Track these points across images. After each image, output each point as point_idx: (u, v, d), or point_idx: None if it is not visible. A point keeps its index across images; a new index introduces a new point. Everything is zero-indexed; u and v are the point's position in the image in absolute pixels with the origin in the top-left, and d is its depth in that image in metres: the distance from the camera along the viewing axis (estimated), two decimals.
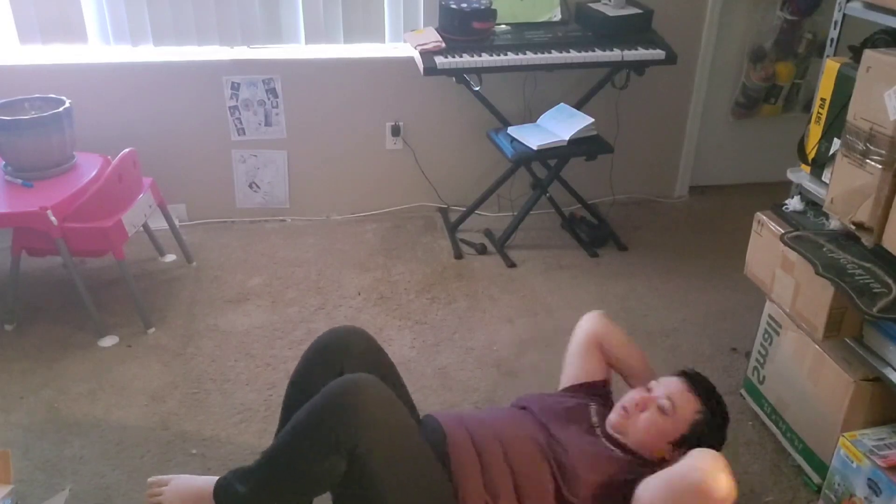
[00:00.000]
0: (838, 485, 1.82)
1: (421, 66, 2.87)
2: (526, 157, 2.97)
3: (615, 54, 2.95)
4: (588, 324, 1.97)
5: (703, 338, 2.62)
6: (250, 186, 3.36)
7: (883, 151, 1.61)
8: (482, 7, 2.97)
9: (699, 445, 1.54)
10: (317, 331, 2.58)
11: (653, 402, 1.69)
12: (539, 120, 3.12)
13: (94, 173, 2.65)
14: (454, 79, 3.02)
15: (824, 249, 1.81)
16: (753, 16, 3.40)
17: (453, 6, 2.95)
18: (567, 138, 2.94)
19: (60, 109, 2.59)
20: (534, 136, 2.96)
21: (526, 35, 3.02)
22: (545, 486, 1.60)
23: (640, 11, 3.07)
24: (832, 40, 2.00)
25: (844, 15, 1.93)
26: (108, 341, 2.55)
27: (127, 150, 2.62)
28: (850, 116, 1.72)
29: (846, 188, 1.74)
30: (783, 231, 1.95)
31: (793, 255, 1.90)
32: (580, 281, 2.97)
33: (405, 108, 3.31)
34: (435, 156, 3.42)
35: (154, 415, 2.22)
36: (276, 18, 3.10)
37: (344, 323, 2.64)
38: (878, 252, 1.72)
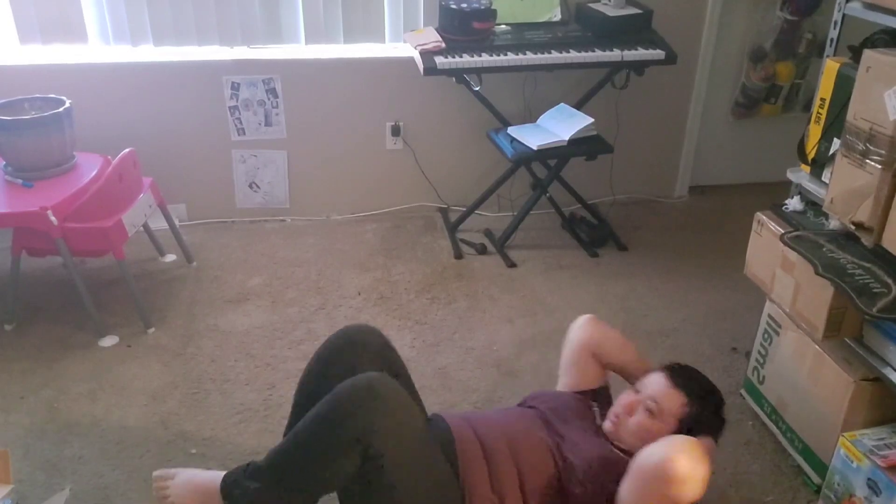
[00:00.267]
0: (838, 485, 1.82)
1: (421, 66, 2.87)
2: (526, 157, 2.97)
3: (615, 54, 2.95)
4: (580, 333, 1.94)
5: (703, 338, 2.62)
6: (250, 186, 3.36)
7: (883, 151, 1.61)
8: (482, 7, 2.97)
9: (695, 435, 1.56)
10: (317, 331, 2.59)
11: (640, 405, 1.69)
12: (539, 120, 3.12)
13: (94, 173, 2.65)
14: (454, 79, 3.02)
15: (824, 249, 1.81)
16: (753, 16, 3.40)
17: (453, 6, 2.95)
18: (567, 138, 2.94)
19: (60, 109, 2.59)
20: (534, 136, 2.96)
21: (526, 35, 3.02)
22: (550, 487, 1.61)
23: (640, 11, 3.07)
24: (832, 40, 2.00)
25: (844, 15, 1.93)
26: (108, 341, 2.55)
27: (127, 150, 2.62)
28: (849, 116, 1.72)
29: (846, 188, 1.74)
30: (783, 231, 1.95)
31: (793, 255, 1.90)
32: (580, 281, 2.97)
33: (405, 108, 3.31)
34: (435, 156, 3.42)
35: (154, 415, 2.22)
36: (276, 18, 3.10)
37: (344, 323, 2.64)
38: (878, 252, 1.72)
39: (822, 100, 1.94)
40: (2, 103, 2.62)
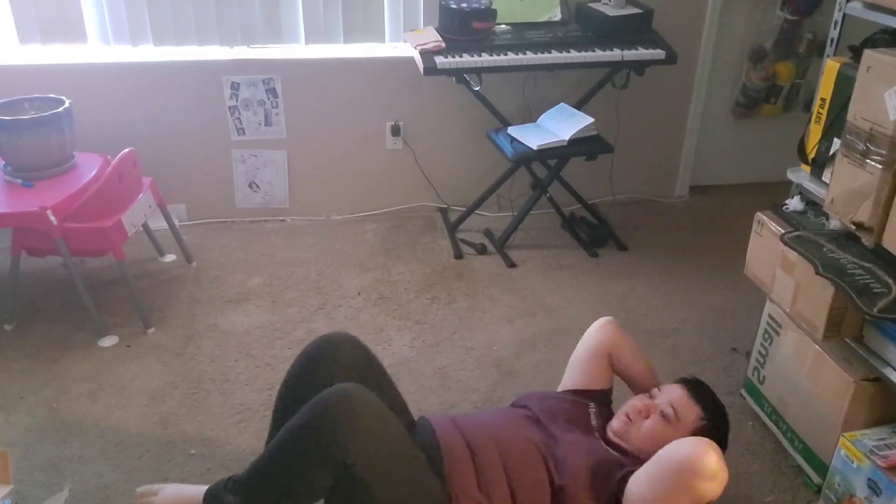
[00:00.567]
0: (838, 485, 1.82)
1: (421, 66, 2.87)
2: (526, 157, 2.96)
3: (615, 54, 2.95)
4: (601, 334, 1.96)
5: (703, 338, 2.62)
6: (250, 186, 3.36)
7: (883, 151, 1.61)
8: (482, 7, 2.96)
9: None
10: (317, 331, 2.59)
11: (656, 409, 1.70)
12: (539, 120, 3.12)
13: (93, 173, 2.65)
14: (454, 79, 3.02)
15: (824, 249, 1.81)
16: (753, 16, 3.40)
17: (453, 6, 2.95)
18: (567, 138, 2.94)
19: (60, 109, 2.59)
20: (534, 136, 2.96)
21: (526, 35, 3.02)
22: (541, 487, 1.61)
23: (640, 11, 3.07)
24: (832, 40, 2.00)
25: (844, 15, 1.93)
26: (108, 341, 2.55)
27: (127, 150, 2.62)
28: (850, 116, 1.71)
29: (846, 188, 1.74)
30: (783, 231, 1.95)
31: (793, 255, 1.90)
32: (580, 281, 2.97)
33: (405, 108, 3.31)
34: (435, 156, 3.42)
35: (154, 415, 2.22)
36: (276, 18, 3.10)
37: (344, 323, 2.65)
38: (878, 252, 1.72)
39: (823, 100, 1.94)
40: (2, 103, 2.62)
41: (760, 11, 3.39)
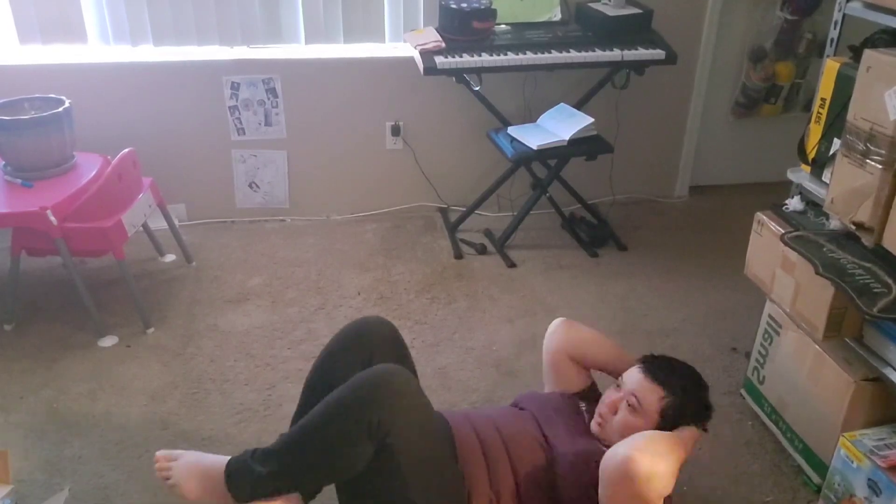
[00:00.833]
0: (838, 485, 1.82)
1: (421, 66, 2.87)
2: (526, 157, 2.96)
3: (615, 54, 2.95)
4: (553, 339, 1.94)
5: (703, 338, 2.62)
6: (250, 186, 3.36)
7: (883, 151, 1.61)
8: (482, 7, 2.96)
9: (680, 426, 1.60)
10: (317, 331, 2.59)
11: (622, 402, 1.69)
12: (539, 120, 3.12)
13: (93, 173, 2.65)
14: (454, 79, 3.02)
15: (824, 249, 1.81)
16: (753, 16, 3.40)
17: (453, 6, 2.95)
18: (567, 138, 2.94)
19: (60, 109, 2.59)
20: (534, 136, 2.96)
21: (526, 35, 3.02)
22: (542, 484, 1.62)
23: (640, 11, 3.07)
24: (832, 40, 2.00)
25: (844, 15, 1.93)
26: (108, 341, 2.55)
27: (127, 150, 2.62)
28: (850, 116, 1.71)
29: (846, 188, 1.74)
30: (783, 231, 1.95)
31: (793, 255, 1.90)
32: (580, 281, 2.97)
33: (405, 108, 3.31)
34: (435, 156, 3.42)
35: (154, 415, 2.22)
36: (276, 18, 3.10)
37: (344, 323, 2.63)
38: (879, 252, 1.72)
39: (823, 100, 1.94)
40: (2, 103, 2.62)
41: (760, 11, 3.39)
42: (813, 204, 2.05)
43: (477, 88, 3.06)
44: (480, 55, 2.87)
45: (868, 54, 1.66)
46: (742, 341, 2.53)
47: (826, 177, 1.95)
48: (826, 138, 1.94)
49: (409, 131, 3.36)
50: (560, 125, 3.01)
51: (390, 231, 3.34)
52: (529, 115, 3.27)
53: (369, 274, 2.99)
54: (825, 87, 1.93)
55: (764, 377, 2.19)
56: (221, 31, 3.07)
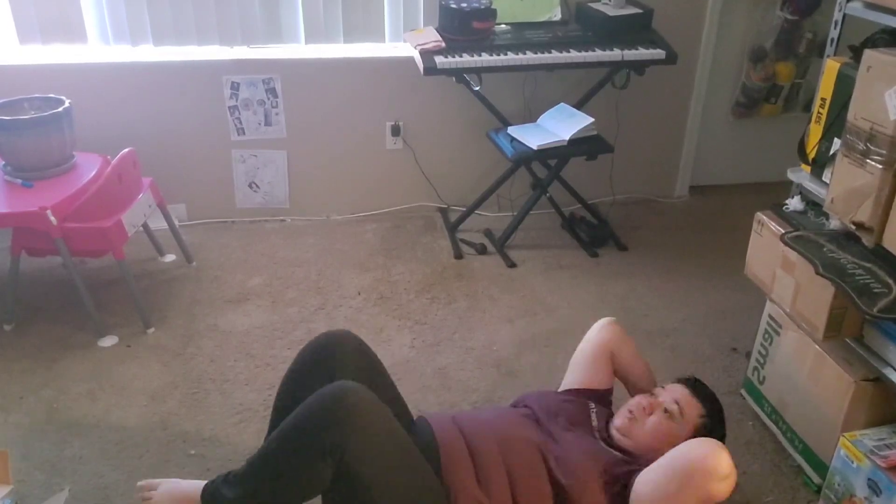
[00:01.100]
0: (838, 485, 1.82)
1: (421, 66, 2.87)
2: (526, 157, 2.96)
3: (615, 54, 2.95)
4: (603, 333, 1.98)
5: (703, 338, 2.62)
6: (250, 186, 3.36)
7: (883, 151, 1.61)
8: (482, 7, 2.96)
9: None
10: (317, 331, 2.58)
11: (659, 407, 1.72)
12: (539, 120, 3.12)
13: (93, 173, 2.65)
14: (454, 79, 3.02)
15: (824, 249, 1.81)
16: (753, 16, 3.40)
17: (453, 6, 2.95)
18: (567, 138, 2.94)
19: (60, 109, 2.59)
20: (534, 136, 2.96)
21: (526, 35, 3.02)
22: (542, 487, 1.61)
23: (640, 11, 3.07)
24: (832, 40, 2.00)
25: (844, 15, 1.93)
26: (108, 341, 2.55)
27: (127, 150, 2.62)
28: (850, 116, 1.71)
29: (846, 188, 1.74)
30: (783, 231, 1.95)
31: (793, 255, 1.90)
32: (580, 281, 2.97)
33: (405, 108, 3.31)
34: (435, 156, 3.42)
35: (154, 415, 2.22)
36: (276, 18, 3.10)
37: (344, 323, 2.65)
38: (879, 252, 1.72)
39: (823, 100, 1.94)
40: (2, 103, 2.62)
41: (760, 11, 3.39)
42: (813, 204, 2.05)
43: (477, 88, 3.06)
44: (480, 55, 2.87)
45: (868, 54, 1.66)
46: (742, 341, 2.53)
47: (826, 177, 1.95)
48: (826, 138, 1.94)
49: (409, 131, 3.36)
50: (560, 125, 3.01)
51: (390, 231, 3.34)
52: (529, 115, 3.27)
53: (369, 274, 2.99)
54: (825, 87, 1.93)
55: (764, 377, 2.18)
56: (221, 31, 3.07)
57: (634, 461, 1.64)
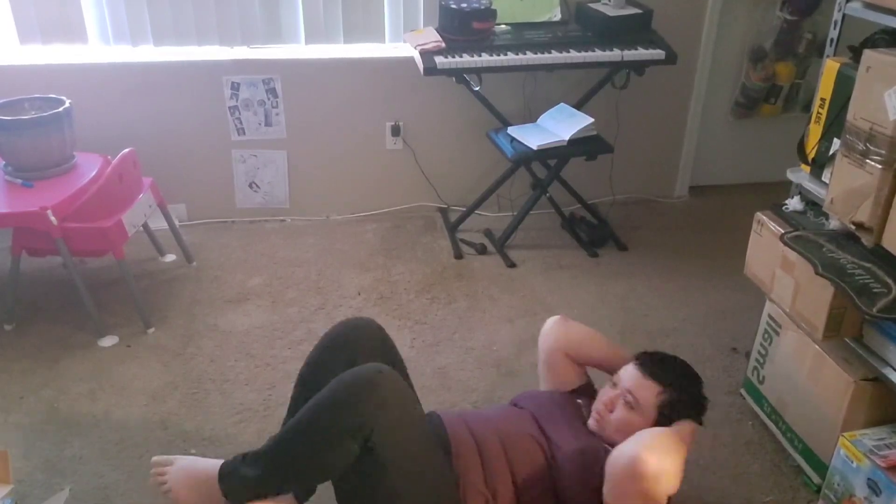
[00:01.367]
0: (838, 485, 1.82)
1: (421, 66, 2.87)
2: (526, 157, 2.96)
3: (615, 54, 2.95)
4: (548, 338, 1.95)
5: (703, 338, 2.62)
6: (250, 186, 3.36)
7: (883, 151, 1.61)
8: (482, 7, 2.96)
9: (677, 420, 1.62)
10: (317, 331, 2.59)
11: (619, 399, 1.70)
12: (539, 120, 3.12)
13: (94, 173, 2.65)
14: (454, 79, 3.02)
15: (824, 249, 1.81)
16: (753, 16, 3.40)
17: (453, 6, 2.95)
18: (567, 138, 2.94)
19: (60, 109, 2.59)
20: (534, 136, 2.96)
21: (526, 35, 3.02)
22: (541, 482, 1.63)
23: (640, 11, 3.07)
24: (832, 40, 2.00)
25: (844, 15, 1.93)
26: (108, 341, 2.55)
27: (127, 150, 2.62)
28: (850, 116, 1.71)
29: (846, 188, 1.74)
30: (783, 231, 1.95)
31: (793, 255, 1.90)
32: (580, 281, 2.97)
33: (405, 108, 3.31)
34: (435, 156, 3.42)
35: (154, 415, 2.22)
36: (276, 18, 3.10)
37: None
38: (878, 252, 1.72)
39: (822, 100, 1.94)
40: (2, 103, 2.62)
41: (760, 11, 3.39)
42: (813, 204, 2.05)
43: (477, 88, 3.06)
44: (480, 55, 2.87)
45: (868, 54, 1.66)
46: (742, 341, 2.53)
47: (826, 177, 1.95)
48: (826, 138, 1.94)
49: (409, 131, 3.36)
50: (560, 125, 3.01)
51: (390, 231, 3.34)
52: (529, 115, 3.27)
53: (369, 274, 2.99)
54: (825, 88, 1.93)
55: (764, 377, 2.19)
56: (221, 31, 3.07)
57: None
